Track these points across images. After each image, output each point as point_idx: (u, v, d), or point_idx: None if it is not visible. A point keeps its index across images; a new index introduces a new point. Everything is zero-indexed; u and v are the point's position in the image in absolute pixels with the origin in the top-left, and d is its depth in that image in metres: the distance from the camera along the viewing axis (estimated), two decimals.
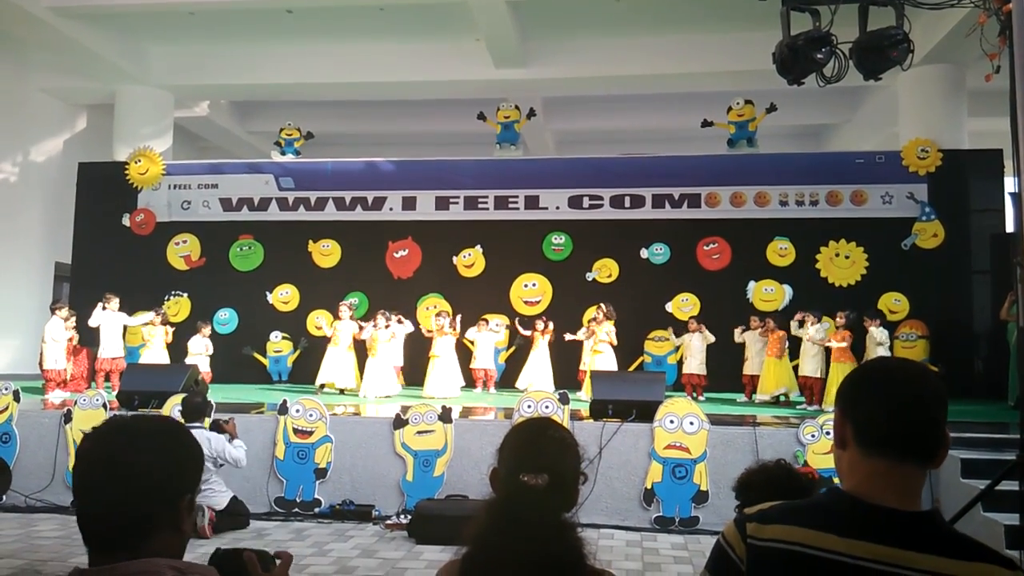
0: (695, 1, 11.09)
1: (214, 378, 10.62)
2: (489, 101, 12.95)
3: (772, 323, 9.90)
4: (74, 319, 10.08)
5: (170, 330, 10.70)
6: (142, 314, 10.81)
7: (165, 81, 13.37)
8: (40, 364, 9.94)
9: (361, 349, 10.51)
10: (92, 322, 10.19)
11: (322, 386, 10.41)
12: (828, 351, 9.31)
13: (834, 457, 1.35)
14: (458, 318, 10.62)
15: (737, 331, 10.39)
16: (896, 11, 5.59)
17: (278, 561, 1.46)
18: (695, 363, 10.42)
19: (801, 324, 9.68)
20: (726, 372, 10.51)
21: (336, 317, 10.76)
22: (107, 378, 10.25)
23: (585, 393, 9.66)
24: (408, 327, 10.69)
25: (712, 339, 10.45)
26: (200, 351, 10.76)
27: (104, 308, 10.23)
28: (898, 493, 1.24)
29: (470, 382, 10.95)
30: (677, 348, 11.06)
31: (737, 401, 10.04)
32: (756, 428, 7.17)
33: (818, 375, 9.33)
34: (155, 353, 10.45)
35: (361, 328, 10.39)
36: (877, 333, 9.23)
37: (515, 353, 11.38)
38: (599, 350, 10.20)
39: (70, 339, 10.10)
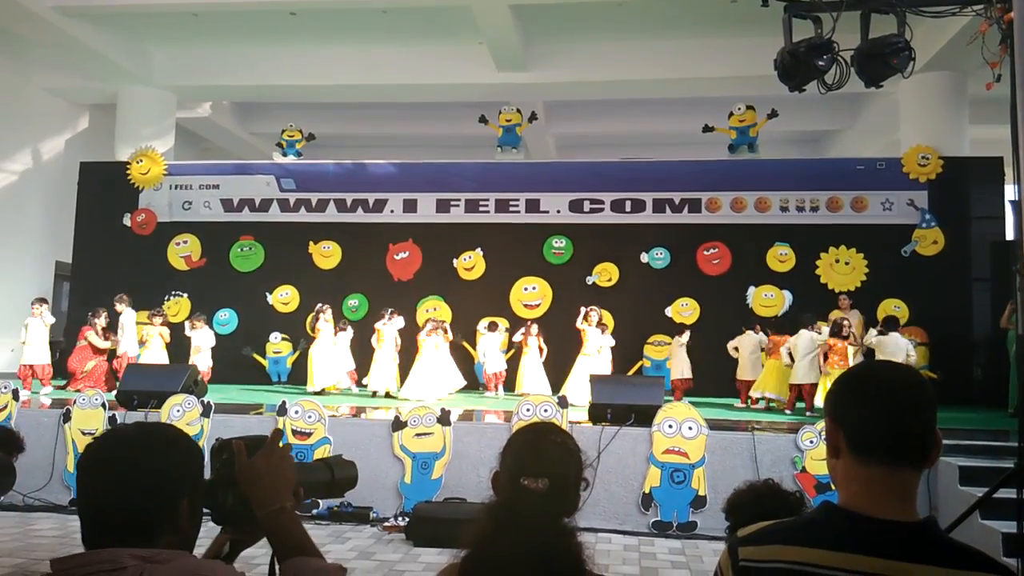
0: (697, 6, 11.11)
1: (215, 378, 10.61)
2: (491, 104, 12.96)
3: (770, 332, 9.95)
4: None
5: (166, 332, 10.70)
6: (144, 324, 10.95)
7: (168, 81, 13.40)
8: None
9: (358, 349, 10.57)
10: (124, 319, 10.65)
11: (321, 391, 10.38)
12: (824, 356, 9.30)
13: (828, 466, 1.34)
14: (447, 326, 10.67)
15: (730, 347, 10.37)
16: (898, 19, 5.60)
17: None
18: (682, 368, 10.42)
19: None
20: (718, 376, 10.51)
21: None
22: None
23: (563, 391, 9.55)
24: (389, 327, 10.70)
25: (683, 342, 10.45)
26: (199, 343, 10.74)
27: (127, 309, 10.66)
28: (896, 501, 1.23)
29: (473, 385, 11.00)
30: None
31: (735, 406, 10.03)
32: (755, 434, 7.16)
33: (806, 381, 9.27)
34: (154, 353, 10.46)
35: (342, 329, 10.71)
36: (890, 343, 9.05)
37: (512, 356, 11.41)
38: (587, 353, 10.18)
39: (109, 344, 10.62)
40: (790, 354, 9.37)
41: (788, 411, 9.23)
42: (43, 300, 10.51)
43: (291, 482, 1.37)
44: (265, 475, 1.34)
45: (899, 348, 8.86)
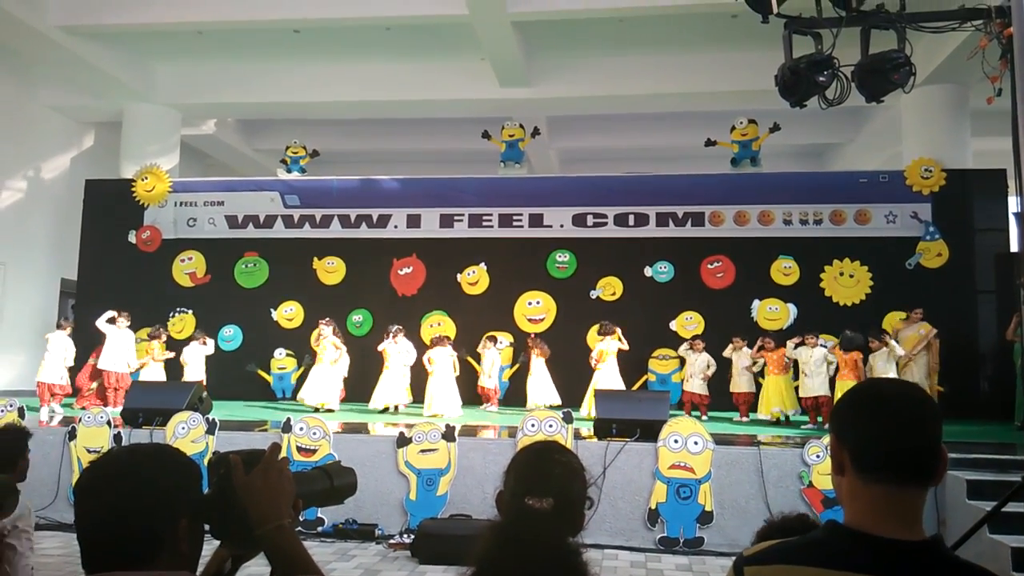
0: (698, 21, 11.17)
1: (219, 394, 10.57)
2: (494, 120, 13.02)
3: (772, 343, 9.92)
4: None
5: (168, 352, 10.67)
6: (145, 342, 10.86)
7: (172, 99, 13.49)
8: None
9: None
10: (100, 324, 10.37)
11: (316, 409, 10.32)
12: (835, 369, 9.30)
13: (833, 483, 1.33)
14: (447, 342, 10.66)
15: (751, 356, 10.35)
16: (898, 34, 5.62)
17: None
18: (696, 382, 10.38)
19: (798, 346, 9.68)
20: (722, 391, 10.47)
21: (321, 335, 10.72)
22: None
23: (586, 409, 9.63)
24: (406, 353, 10.68)
25: (713, 366, 10.39)
26: (194, 358, 10.74)
27: (115, 323, 10.35)
28: (901, 520, 1.23)
29: (475, 400, 10.95)
30: (682, 366, 10.97)
31: (733, 420, 9.96)
32: (761, 448, 7.14)
33: (824, 393, 9.26)
34: (154, 371, 10.45)
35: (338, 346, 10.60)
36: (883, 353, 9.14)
37: (517, 371, 11.39)
38: (597, 368, 10.22)
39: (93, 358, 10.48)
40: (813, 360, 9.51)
41: (812, 425, 9.22)
42: (66, 319, 10.57)
43: (290, 498, 1.35)
44: (263, 492, 1.32)
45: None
